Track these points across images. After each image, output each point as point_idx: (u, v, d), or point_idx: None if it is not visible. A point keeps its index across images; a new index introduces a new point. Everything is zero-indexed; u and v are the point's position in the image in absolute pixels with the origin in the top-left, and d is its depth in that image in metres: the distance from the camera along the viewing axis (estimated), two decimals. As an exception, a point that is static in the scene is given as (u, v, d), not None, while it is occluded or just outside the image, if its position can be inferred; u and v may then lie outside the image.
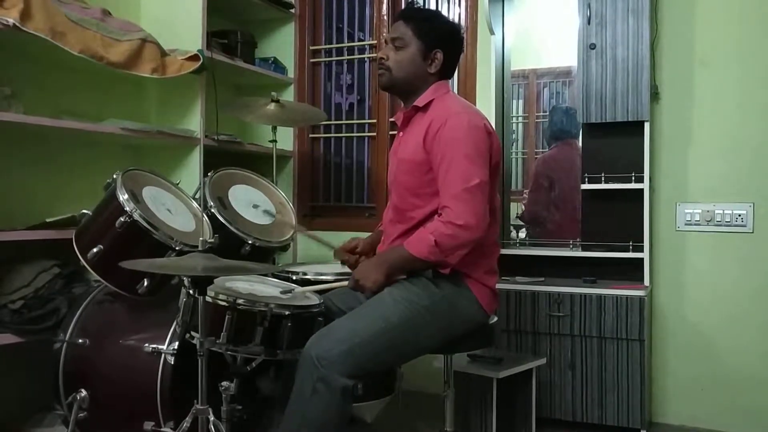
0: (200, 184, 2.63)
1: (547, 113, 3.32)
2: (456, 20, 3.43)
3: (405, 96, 2.16)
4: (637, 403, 2.70)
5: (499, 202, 2.16)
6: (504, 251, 3.12)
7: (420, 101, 2.09)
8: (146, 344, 2.11)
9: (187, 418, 1.83)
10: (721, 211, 2.91)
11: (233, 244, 2.41)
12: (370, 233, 2.34)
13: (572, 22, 2.96)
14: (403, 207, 2.09)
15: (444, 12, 3.45)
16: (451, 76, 2.18)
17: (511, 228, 3.29)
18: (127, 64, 2.65)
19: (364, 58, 3.72)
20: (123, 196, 2.14)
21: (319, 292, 2.16)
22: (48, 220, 2.47)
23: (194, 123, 3.02)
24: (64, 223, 2.45)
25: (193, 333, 1.93)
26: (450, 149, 1.94)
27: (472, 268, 2.02)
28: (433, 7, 3.50)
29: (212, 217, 2.42)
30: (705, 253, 2.95)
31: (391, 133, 3.56)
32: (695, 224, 2.95)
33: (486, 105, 3.17)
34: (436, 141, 1.97)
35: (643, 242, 2.83)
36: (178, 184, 2.51)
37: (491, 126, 2.07)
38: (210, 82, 3.03)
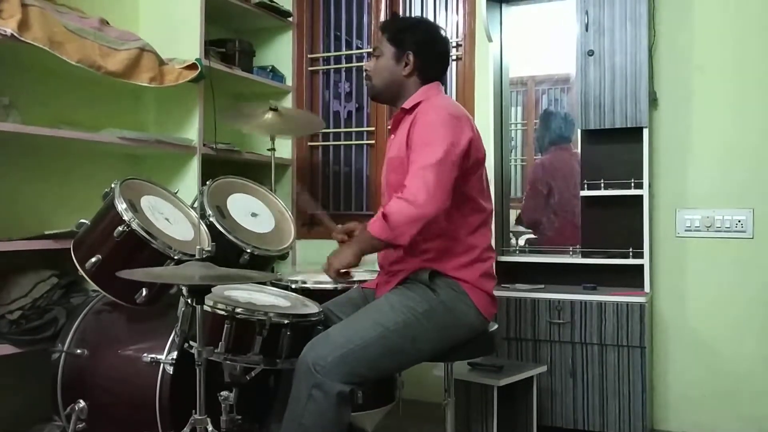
0: (198, 193, 2.62)
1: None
2: (454, 28, 3.44)
3: (392, 102, 2.21)
4: (639, 410, 2.68)
5: (491, 206, 2.15)
6: (503, 258, 3.12)
7: (407, 103, 2.11)
8: (145, 354, 2.11)
9: (185, 429, 1.82)
10: (720, 217, 2.90)
11: (232, 253, 2.41)
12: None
13: (570, 29, 2.96)
14: None
15: (441, 19, 3.47)
16: (436, 78, 2.18)
17: (511, 235, 3.28)
18: (125, 73, 2.65)
19: (362, 66, 3.73)
20: (121, 206, 2.13)
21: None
22: (46, 232, 2.47)
23: (192, 132, 3.02)
24: (62, 236, 2.45)
25: (191, 342, 1.92)
26: (419, 137, 1.96)
27: (467, 273, 2.02)
28: (430, 14, 3.51)
29: (210, 226, 2.41)
30: (705, 259, 2.94)
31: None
32: (695, 230, 2.95)
33: (485, 112, 3.17)
34: (413, 133, 2.00)
35: (643, 248, 2.83)
36: (176, 193, 2.51)
37: (470, 120, 2.07)
38: (208, 90, 3.03)
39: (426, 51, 2.14)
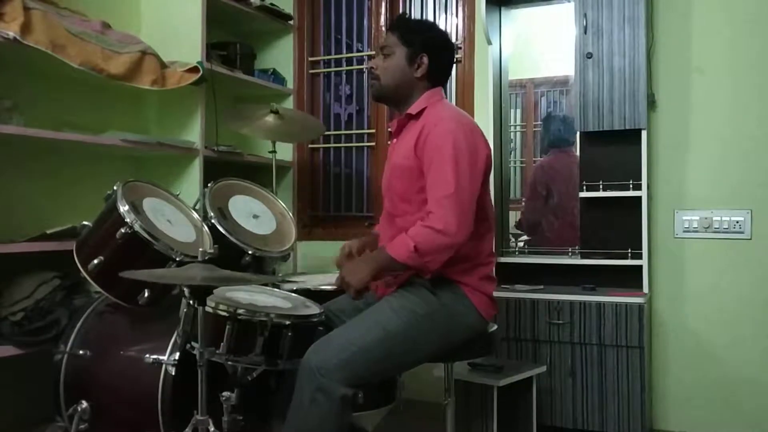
0: (200, 195, 2.64)
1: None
2: (453, 31, 3.46)
3: (397, 104, 2.18)
4: (638, 410, 2.70)
5: (493, 211, 2.17)
6: (503, 259, 3.14)
7: (413, 109, 2.11)
8: (147, 355, 2.11)
9: (187, 429, 1.83)
10: (719, 218, 2.92)
11: (233, 255, 2.42)
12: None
13: (569, 31, 2.98)
14: (393, 212, 2.11)
15: (441, 22, 3.48)
16: (443, 82, 2.20)
17: (510, 236, 3.29)
18: (127, 76, 2.67)
19: (362, 68, 3.74)
20: (123, 208, 2.14)
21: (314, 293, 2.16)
22: (48, 231, 2.48)
23: (194, 134, 3.03)
24: (64, 234, 2.46)
25: (193, 343, 1.94)
26: (437, 155, 1.95)
27: (468, 276, 2.04)
28: (430, 16, 3.52)
29: (212, 228, 2.43)
30: (703, 260, 2.95)
31: (389, 142, 3.58)
32: (693, 231, 2.96)
33: (484, 114, 3.19)
34: (426, 147, 1.99)
35: (641, 249, 2.84)
36: (178, 195, 2.52)
37: (482, 133, 2.09)
38: (209, 93, 3.05)
39: (439, 55, 2.14)
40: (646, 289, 2.84)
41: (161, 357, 2.10)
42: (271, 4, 3.54)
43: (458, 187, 1.90)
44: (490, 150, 2.09)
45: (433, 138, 1.98)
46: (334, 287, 2.38)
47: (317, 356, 1.84)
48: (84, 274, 2.19)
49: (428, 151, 1.98)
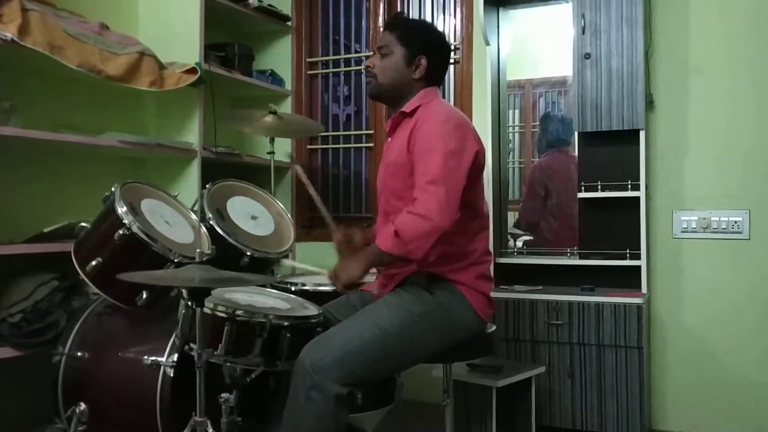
0: (198, 196, 2.64)
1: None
2: (451, 31, 3.46)
3: (393, 103, 2.18)
4: (637, 410, 2.70)
5: (487, 210, 2.17)
6: (502, 260, 3.14)
7: (407, 107, 2.11)
8: (145, 356, 2.11)
9: (185, 431, 1.83)
10: (717, 218, 2.92)
11: (232, 256, 2.42)
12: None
13: (567, 32, 2.98)
14: (388, 210, 2.11)
15: (439, 23, 3.48)
16: (439, 83, 2.20)
17: (509, 237, 3.29)
18: (126, 77, 2.67)
19: (361, 69, 3.74)
20: (121, 209, 2.14)
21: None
22: (45, 230, 2.48)
23: (192, 135, 3.03)
24: (60, 232, 2.46)
25: (192, 345, 1.93)
26: (424, 147, 1.96)
27: (464, 275, 2.03)
28: (428, 17, 3.52)
29: (210, 229, 2.43)
30: (702, 260, 2.95)
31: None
32: (692, 231, 2.97)
33: (482, 115, 3.19)
34: (416, 142, 2.00)
35: (640, 250, 2.85)
36: (176, 196, 2.51)
37: (474, 130, 2.08)
38: (208, 94, 3.05)
39: (437, 56, 2.14)
40: (644, 290, 2.84)
41: (159, 358, 2.10)
42: (270, 5, 3.54)
43: (440, 174, 1.89)
44: (481, 146, 2.07)
45: (422, 132, 1.99)
46: (332, 289, 2.39)
47: (312, 355, 1.84)
48: (82, 275, 2.18)
49: (417, 146, 1.99)
